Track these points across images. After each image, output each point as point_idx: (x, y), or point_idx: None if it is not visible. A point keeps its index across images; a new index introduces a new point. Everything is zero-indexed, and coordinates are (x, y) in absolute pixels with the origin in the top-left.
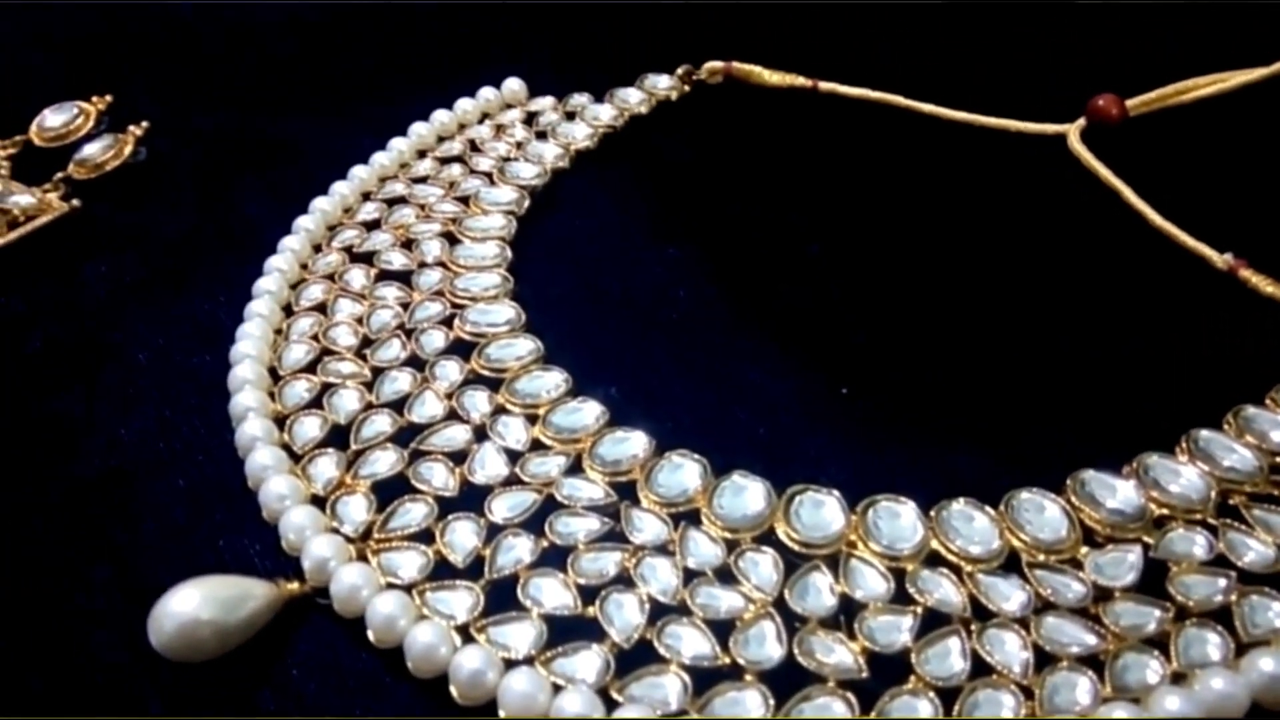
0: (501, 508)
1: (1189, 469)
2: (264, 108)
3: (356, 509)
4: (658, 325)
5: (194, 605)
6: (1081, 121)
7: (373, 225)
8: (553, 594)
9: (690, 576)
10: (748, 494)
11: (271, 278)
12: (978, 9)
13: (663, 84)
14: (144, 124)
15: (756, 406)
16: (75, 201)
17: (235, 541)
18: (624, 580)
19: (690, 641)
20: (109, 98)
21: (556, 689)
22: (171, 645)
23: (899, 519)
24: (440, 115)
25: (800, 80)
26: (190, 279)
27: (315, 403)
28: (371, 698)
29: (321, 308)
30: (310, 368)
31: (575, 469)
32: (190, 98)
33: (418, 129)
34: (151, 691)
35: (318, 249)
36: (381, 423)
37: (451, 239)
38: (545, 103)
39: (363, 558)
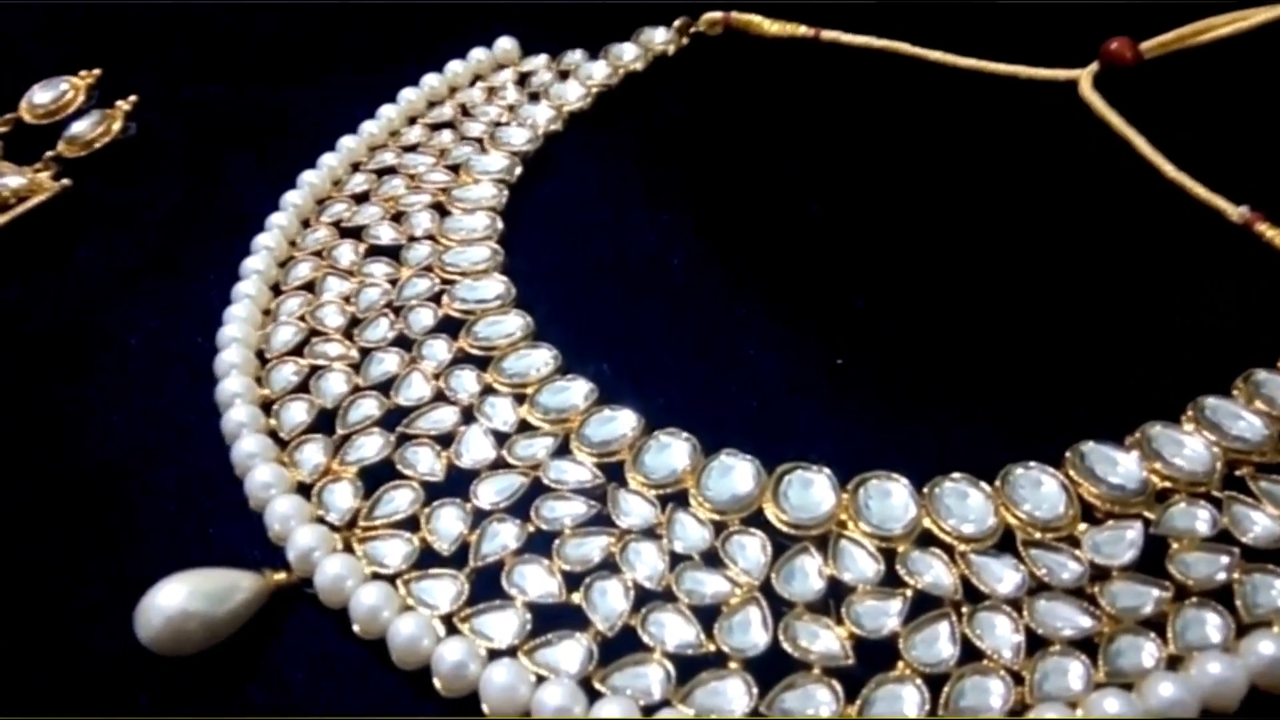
0: (488, 492)
1: (1194, 439)
2: (254, 78)
3: (342, 496)
4: (651, 294)
5: (181, 599)
6: (1094, 66)
7: (362, 198)
8: (537, 581)
9: (677, 560)
10: (735, 474)
11: (259, 257)
12: None
13: (660, 37)
14: (133, 98)
15: (749, 379)
16: (66, 181)
17: (225, 530)
18: (609, 566)
19: (674, 629)
20: (97, 71)
21: (540, 680)
22: (159, 640)
23: (890, 497)
24: (430, 79)
25: (802, 29)
26: (181, 259)
27: (303, 386)
28: (360, 686)
29: (310, 286)
30: (298, 350)
31: (564, 450)
32: (179, 71)
33: (407, 95)
34: (140, 686)
35: (306, 224)
36: (368, 406)
37: (442, 210)
38: (539, 62)
39: (348, 546)
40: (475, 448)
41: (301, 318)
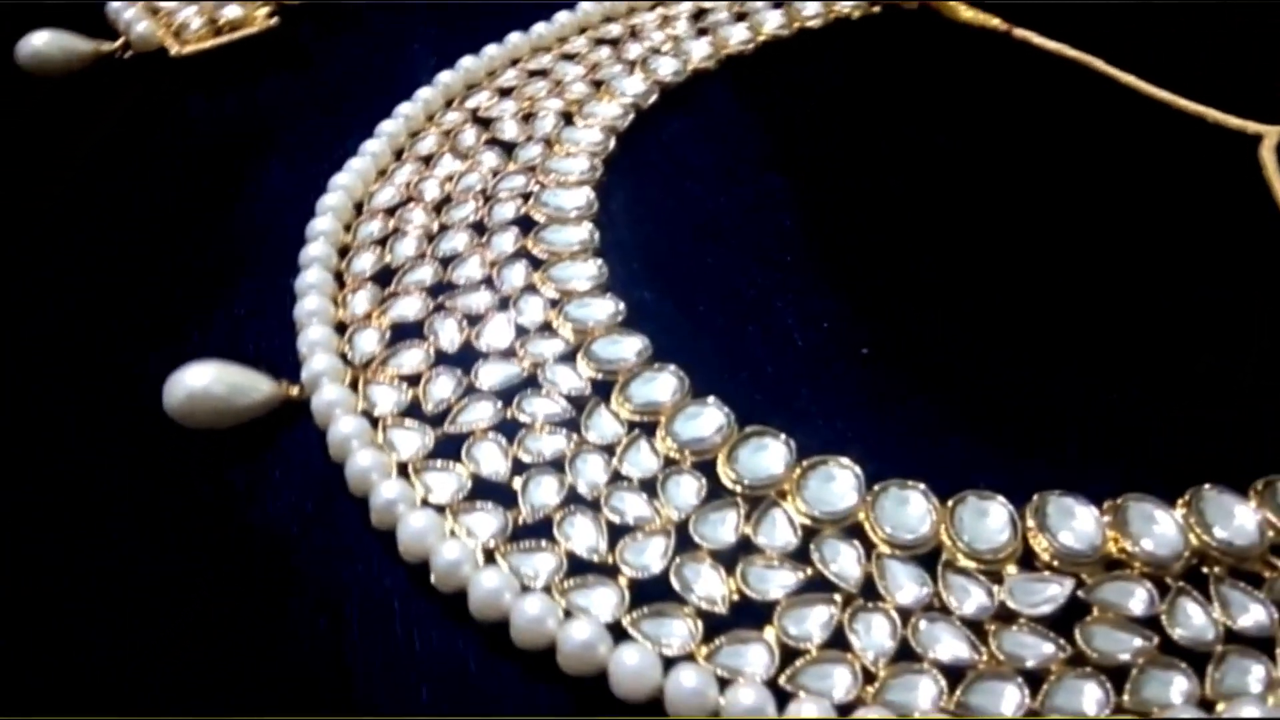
0: (489, 376)
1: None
2: None
3: (368, 341)
4: (723, 248)
5: (206, 380)
6: None
7: (506, 92)
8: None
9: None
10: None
11: (393, 121)
12: None
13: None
14: None
15: (783, 354)
16: (274, 20)
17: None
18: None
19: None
20: None
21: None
22: (177, 409)
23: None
24: None
25: (995, 22)
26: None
27: (382, 241)
28: (328, 502)
29: (428, 160)
30: (391, 210)
31: (569, 358)
32: None
33: (585, 6)
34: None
35: (450, 104)
36: (424, 272)
37: (568, 119)
38: (721, 2)
39: (354, 384)
40: (494, 333)
41: (407, 184)
